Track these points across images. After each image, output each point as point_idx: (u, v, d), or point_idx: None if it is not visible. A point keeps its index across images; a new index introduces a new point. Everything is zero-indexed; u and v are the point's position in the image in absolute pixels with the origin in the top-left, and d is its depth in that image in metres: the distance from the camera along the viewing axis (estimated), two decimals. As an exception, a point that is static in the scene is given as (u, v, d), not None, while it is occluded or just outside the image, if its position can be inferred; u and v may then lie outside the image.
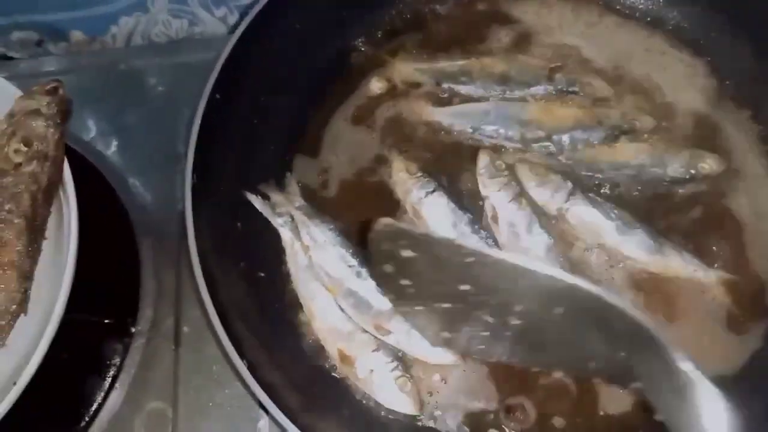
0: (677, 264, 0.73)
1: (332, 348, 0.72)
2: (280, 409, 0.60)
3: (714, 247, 0.75)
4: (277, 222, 0.77)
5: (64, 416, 0.76)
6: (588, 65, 0.86)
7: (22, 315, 0.66)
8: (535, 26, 0.89)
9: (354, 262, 0.74)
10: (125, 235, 0.84)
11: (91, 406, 0.75)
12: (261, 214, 0.77)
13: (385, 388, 0.69)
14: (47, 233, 0.71)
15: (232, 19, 1.09)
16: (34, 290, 0.68)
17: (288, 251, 0.77)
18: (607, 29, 0.88)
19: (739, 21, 0.83)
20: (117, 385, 0.77)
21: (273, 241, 0.77)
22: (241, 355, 0.62)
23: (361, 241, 0.75)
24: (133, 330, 0.79)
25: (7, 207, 0.67)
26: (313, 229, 0.76)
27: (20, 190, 0.68)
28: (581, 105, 0.83)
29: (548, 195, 0.76)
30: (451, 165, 0.81)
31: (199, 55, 0.99)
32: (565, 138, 0.80)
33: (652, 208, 0.77)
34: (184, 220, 0.68)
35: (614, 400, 0.68)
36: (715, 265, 0.74)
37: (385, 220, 0.55)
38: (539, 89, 0.84)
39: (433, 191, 0.77)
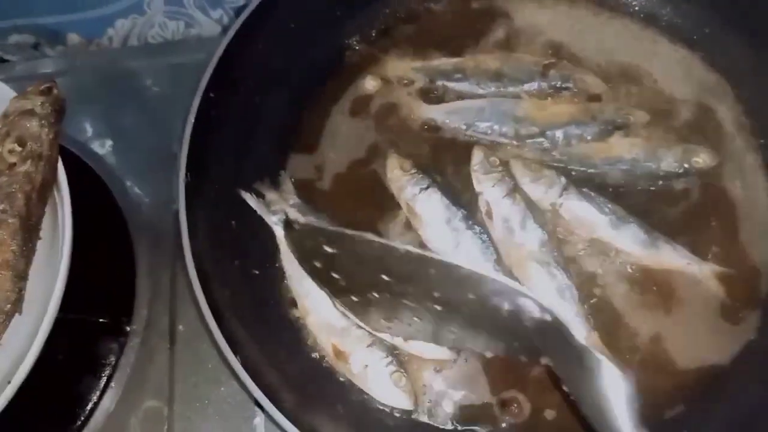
0: (671, 257, 0.73)
1: (326, 344, 0.72)
2: (275, 406, 0.60)
3: (708, 241, 0.75)
4: (272, 220, 0.77)
5: (59, 415, 0.75)
6: (582, 61, 0.86)
7: (17, 314, 0.66)
8: (529, 23, 0.89)
9: None
10: (120, 235, 0.84)
11: (87, 405, 0.75)
12: (255, 212, 0.77)
13: (379, 384, 0.69)
14: (42, 233, 0.71)
15: (228, 20, 1.09)
16: (29, 290, 0.68)
17: (282, 249, 0.77)
18: (600, 26, 0.88)
19: (732, 16, 0.83)
20: (112, 384, 0.77)
21: (267, 239, 0.77)
22: (236, 352, 0.62)
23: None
24: (128, 329, 0.79)
25: (1, 207, 0.68)
26: None
27: (14, 189, 0.68)
28: (575, 101, 0.83)
29: (542, 190, 0.76)
30: (445, 162, 0.81)
31: (195, 56, 0.99)
32: (559, 134, 0.80)
33: (646, 203, 0.77)
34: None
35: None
36: (709, 258, 0.73)
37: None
38: (533, 86, 0.84)
39: (427, 188, 0.77)
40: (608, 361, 0.53)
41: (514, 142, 0.81)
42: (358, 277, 0.66)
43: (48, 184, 0.71)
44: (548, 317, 0.58)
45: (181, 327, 0.81)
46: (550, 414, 0.68)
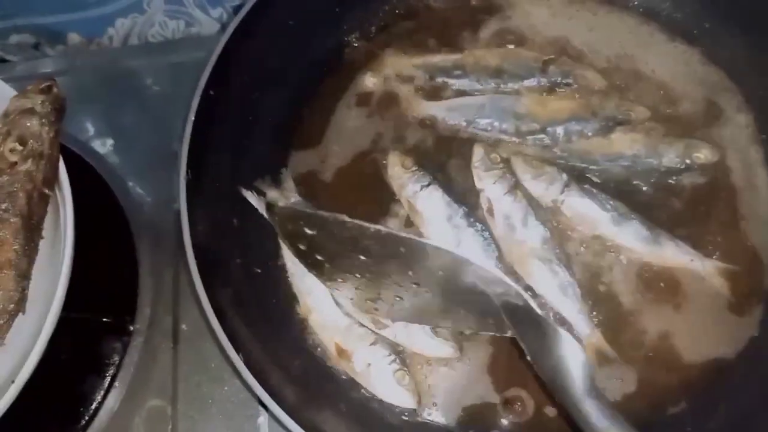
0: (674, 254, 0.73)
1: (329, 342, 0.72)
2: (278, 404, 0.60)
3: (711, 236, 0.75)
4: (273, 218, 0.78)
5: (63, 415, 0.75)
6: (582, 57, 0.85)
7: (20, 314, 0.66)
8: (529, 19, 0.89)
9: None
10: (123, 234, 0.84)
11: (91, 404, 0.75)
12: (257, 209, 0.77)
13: (382, 382, 0.70)
14: (44, 232, 0.71)
15: (228, 18, 1.09)
16: (32, 289, 0.68)
17: (284, 246, 0.77)
18: (600, 21, 0.88)
19: (732, 10, 0.82)
20: (116, 383, 0.77)
21: (269, 237, 0.77)
22: (238, 351, 0.62)
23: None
24: (131, 328, 0.79)
25: (3, 206, 0.67)
26: None
27: (16, 189, 0.68)
28: (575, 97, 0.82)
29: (543, 187, 0.76)
30: (446, 159, 0.81)
31: (195, 55, 0.98)
32: (560, 130, 0.80)
33: (648, 199, 0.77)
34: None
35: (608, 387, 0.69)
36: (715, 256, 0.73)
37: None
38: (533, 82, 0.84)
39: (428, 185, 0.77)
40: (566, 332, 0.58)
41: (515, 139, 0.81)
42: (338, 259, 0.68)
43: (49, 183, 0.71)
44: (512, 292, 0.62)
45: (184, 326, 0.81)
46: (551, 411, 0.68)
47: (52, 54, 1.11)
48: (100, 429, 0.75)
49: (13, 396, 0.61)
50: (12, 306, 0.66)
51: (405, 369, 0.70)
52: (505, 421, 0.69)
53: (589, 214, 0.75)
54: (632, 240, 0.74)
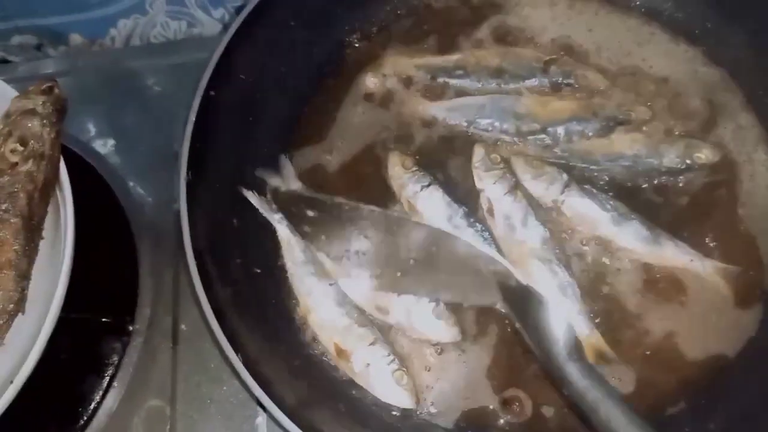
0: (674, 254, 0.73)
1: (328, 342, 0.72)
2: (276, 405, 0.60)
3: (711, 236, 0.74)
4: (274, 218, 0.78)
5: (62, 415, 0.75)
6: (583, 57, 0.85)
7: (20, 314, 0.66)
8: (530, 19, 0.89)
9: None
10: (123, 235, 0.84)
11: (90, 404, 0.75)
12: (257, 210, 0.77)
13: (381, 382, 0.69)
14: (44, 233, 0.71)
15: (230, 19, 1.09)
16: (32, 289, 0.68)
17: (284, 246, 0.77)
18: (602, 20, 0.88)
19: (734, 10, 0.82)
20: (115, 383, 0.77)
21: (269, 237, 0.77)
22: (237, 351, 0.62)
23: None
24: (131, 328, 0.79)
25: (3, 206, 0.68)
26: None
27: (17, 189, 0.69)
28: (576, 97, 0.82)
29: (544, 187, 0.76)
30: (446, 159, 0.81)
31: (197, 56, 0.98)
32: (561, 130, 0.80)
33: (648, 199, 0.77)
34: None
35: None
36: (715, 256, 0.73)
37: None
38: (534, 82, 0.83)
39: (429, 185, 0.77)
40: (548, 299, 0.65)
41: (516, 139, 0.81)
42: (343, 240, 0.74)
43: (50, 184, 0.71)
44: (500, 266, 0.69)
45: (183, 326, 0.81)
46: (548, 411, 0.68)
47: (54, 55, 1.12)
48: (99, 429, 0.75)
49: (12, 396, 0.61)
50: (12, 306, 0.66)
51: (404, 369, 0.69)
52: (503, 422, 0.69)
53: (590, 214, 0.75)
54: (632, 240, 0.73)
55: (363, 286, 0.74)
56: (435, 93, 0.85)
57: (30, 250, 0.69)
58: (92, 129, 0.96)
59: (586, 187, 0.76)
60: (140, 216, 0.87)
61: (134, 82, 1.00)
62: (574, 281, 0.72)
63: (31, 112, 0.72)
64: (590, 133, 0.80)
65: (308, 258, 0.76)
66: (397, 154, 0.80)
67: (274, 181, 0.79)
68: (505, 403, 0.69)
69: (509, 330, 0.71)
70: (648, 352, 0.70)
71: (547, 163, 0.78)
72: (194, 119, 0.72)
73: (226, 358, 0.63)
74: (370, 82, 0.87)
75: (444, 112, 0.83)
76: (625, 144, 0.78)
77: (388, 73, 0.87)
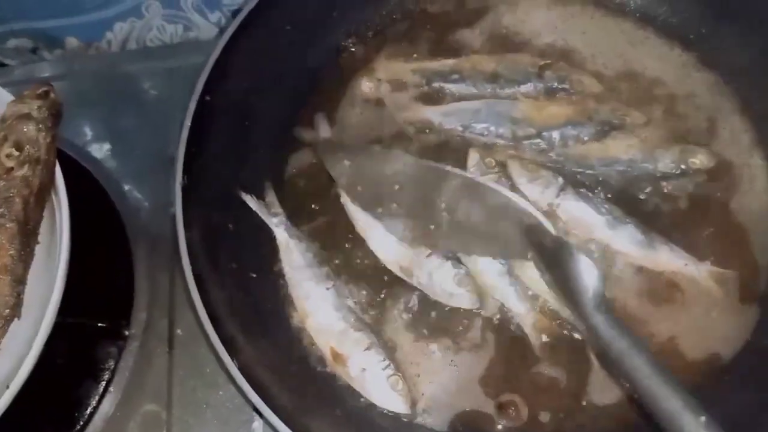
0: (668, 258, 0.73)
1: (324, 347, 0.72)
2: (272, 410, 0.60)
3: (706, 240, 0.75)
4: (272, 222, 0.78)
5: (58, 420, 0.75)
6: (578, 62, 0.86)
7: (16, 319, 0.66)
8: (525, 24, 0.89)
9: None
10: (118, 239, 0.84)
11: (86, 409, 0.75)
12: (253, 214, 0.77)
13: (377, 387, 0.69)
14: (40, 237, 0.71)
15: (226, 23, 1.09)
16: (28, 294, 0.68)
17: (282, 250, 0.77)
18: (596, 25, 0.88)
19: (728, 15, 0.83)
20: (111, 388, 0.77)
21: (265, 241, 0.77)
22: (233, 356, 0.62)
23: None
24: (126, 333, 0.79)
25: (-1, 211, 0.68)
26: None
27: (12, 194, 0.68)
28: (571, 102, 0.82)
29: (539, 191, 0.76)
30: (442, 163, 0.80)
31: (193, 60, 0.98)
32: (556, 134, 0.80)
33: (644, 203, 0.77)
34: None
35: (602, 392, 0.69)
36: (710, 260, 0.73)
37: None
38: (529, 87, 0.84)
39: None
40: (580, 251, 0.63)
41: (511, 144, 0.81)
42: (376, 189, 0.76)
43: (46, 188, 0.71)
44: (532, 219, 0.70)
45: (179, 331, 0.81)
46: (544, 417, 0.68)
47: (50, 58, 1.11)
48: (95, 434, 0.75)
49: (9, 401, 0.61)
50: (7, 311, 0.65)
51: (399, 374, 0.69)
52: (499, 426, 0.69)
53: (585, 217, 0.75)
54: (627, 244, 0.74)
55: (393, 241, 0.75)
56: (431, 97, 0.85)
57: (26, 255, 0.68)
58: (88, 133, 0.96)
59: (581, 190, 0.76)
60: (136, 220, 0.87)
61: (130, 86, 1.00)
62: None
63: (27, 117, 0.71)
64: (585, 138, 0.80)
65: (307, 262, 0.76)
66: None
67: (309, 133, 0.82)
68: (501, 408, 0.69)
69: (504, 336, 0.72)
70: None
71: (542, 167, 0.78)
72: (190, 124, 0.72)
73: (221, 363, 0.63)
74: (366, 86, 0.87)
75: (439, 116, 0.83)
76: (620, 149, 0.79)
77: (383, 77, 0.87)
